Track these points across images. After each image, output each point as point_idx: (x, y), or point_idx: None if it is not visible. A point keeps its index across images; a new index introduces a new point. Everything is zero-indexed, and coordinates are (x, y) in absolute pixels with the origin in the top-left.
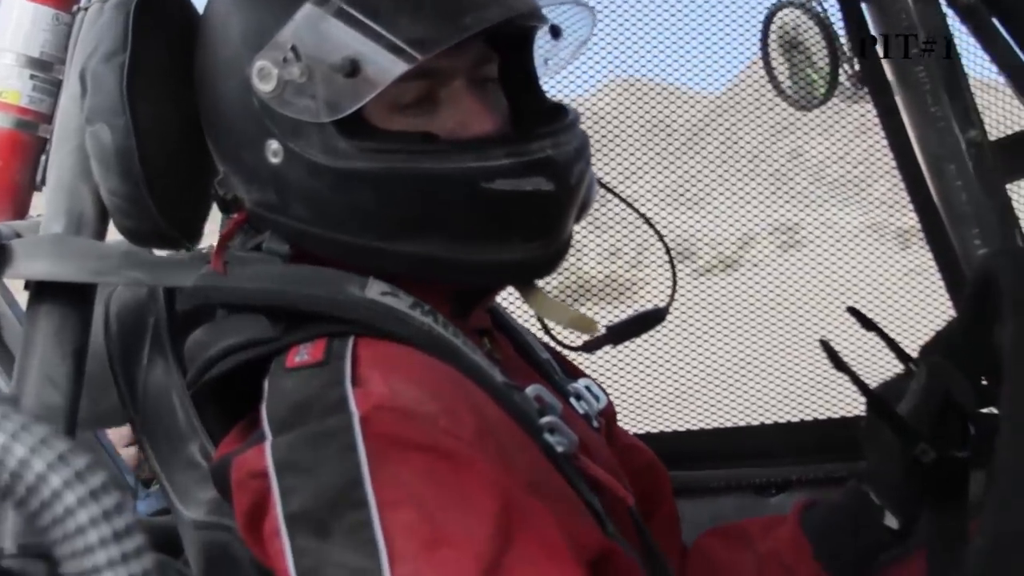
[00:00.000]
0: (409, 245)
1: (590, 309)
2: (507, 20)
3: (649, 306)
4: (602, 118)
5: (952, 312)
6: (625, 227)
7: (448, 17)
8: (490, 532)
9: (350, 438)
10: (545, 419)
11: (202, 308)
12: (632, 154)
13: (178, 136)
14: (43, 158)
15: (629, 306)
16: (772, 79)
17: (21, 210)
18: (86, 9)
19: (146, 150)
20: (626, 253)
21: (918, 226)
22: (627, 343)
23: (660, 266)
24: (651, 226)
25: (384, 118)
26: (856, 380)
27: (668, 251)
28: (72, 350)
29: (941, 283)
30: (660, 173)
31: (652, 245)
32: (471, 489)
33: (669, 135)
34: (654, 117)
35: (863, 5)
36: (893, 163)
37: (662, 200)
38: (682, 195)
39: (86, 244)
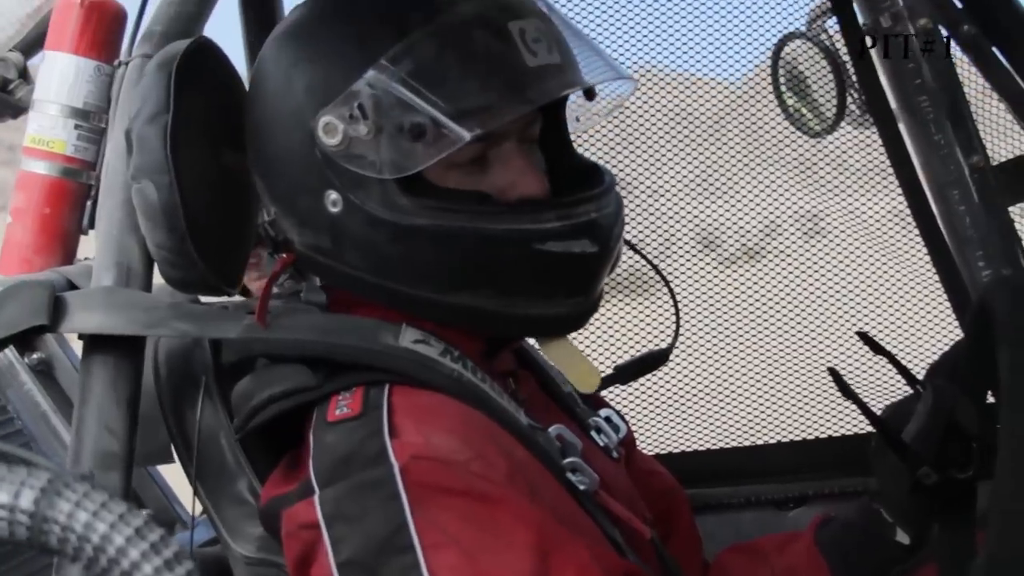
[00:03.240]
0: (460, 297)
1: (617, 303)
2: (566, 94)
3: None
4: (624, 110)
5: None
6: (649, 219)
7: (513, 88)
8: (529, 565)
9: (393, 487)
10: (568, 459)
11: (246, 357)
12: (656, 146)
13: (219, 189)
14: (88, 203)
15: (654, 299)
16: (783, 108)
17: (70, 255)
18: (126, 64)
19: (190, 205)
20: (650, 245)
21: None
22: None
23: (685, 258)
24: (663, 278)
25: (439, 175)
26: (862, 407)
27: (672, 293)
28: (126, 398)
29: None
30: (683, 163)
31: (676, 236)
32: (507, 526)
33: (692, 125)
34: (676, 108)
35: (867, 38)
36: None
37: (686, 189)
38: (705, 184)
39: (136, 296)
